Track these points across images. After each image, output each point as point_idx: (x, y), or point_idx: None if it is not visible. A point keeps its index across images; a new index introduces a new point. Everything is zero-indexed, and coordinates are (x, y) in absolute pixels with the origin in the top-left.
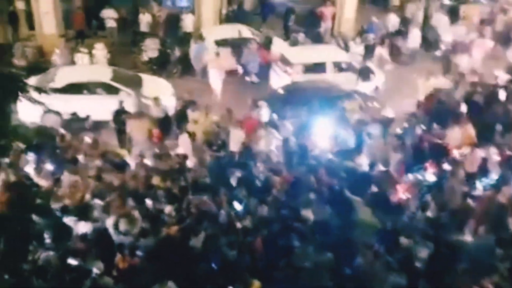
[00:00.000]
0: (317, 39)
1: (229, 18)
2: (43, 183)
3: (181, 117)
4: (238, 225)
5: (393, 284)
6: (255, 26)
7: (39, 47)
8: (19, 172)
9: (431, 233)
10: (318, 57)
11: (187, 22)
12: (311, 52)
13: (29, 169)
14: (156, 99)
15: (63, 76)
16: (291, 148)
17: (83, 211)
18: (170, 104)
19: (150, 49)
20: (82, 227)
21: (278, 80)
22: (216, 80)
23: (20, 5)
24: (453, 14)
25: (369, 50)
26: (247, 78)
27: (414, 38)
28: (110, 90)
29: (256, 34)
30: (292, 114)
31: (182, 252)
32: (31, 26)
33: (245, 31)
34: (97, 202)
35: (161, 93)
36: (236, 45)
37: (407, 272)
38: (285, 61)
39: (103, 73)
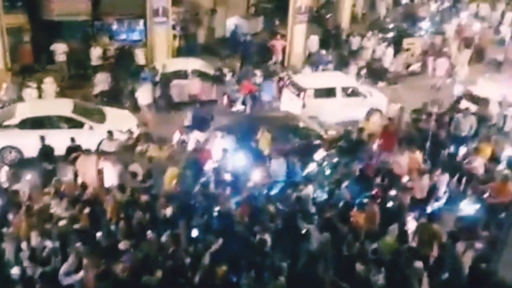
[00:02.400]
0: (268, 71)
1: (182, 52)
2: None
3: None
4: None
5: None
6: (208, 59)
7: None
8: None
9: (384, 259)
10: (328, 83)
11: (139, 56)
12: (321, 77)
13: None
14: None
15: (23, 110)
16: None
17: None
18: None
19: (101, 82)
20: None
21: (290, 104)
22: None
23: None
24: (397, 46)
25: None
26: (234, 109)
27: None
28: (73, 124)
29: (209, 66)
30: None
31: None
32: None
33: (200, 64)
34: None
35: (126, 125)
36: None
37: None
38: (296, 86)
39: (65, 106)
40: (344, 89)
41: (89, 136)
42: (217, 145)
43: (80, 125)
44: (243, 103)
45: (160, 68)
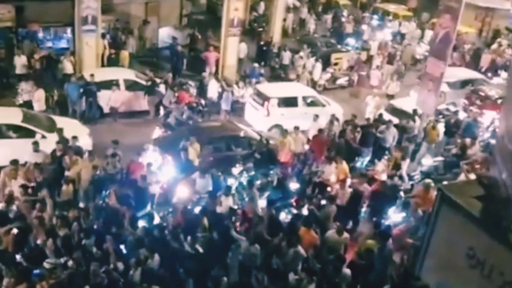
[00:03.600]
0: (202, 82)
1: (111, 61)
2: None
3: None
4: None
5: None
6: (139, 69)
7: None
8: None
9: (315, 268)
10: (290, 92)
11: (67, 64)
12: (283, 87)
13: None
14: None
15: None
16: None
17: None
18: (87, 145)
19: (26, 92)
20: None
21: (255, 113)
22: None
23: None
24: (325, 60)
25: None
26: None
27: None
28: (24, 133)
29: (141, 76)
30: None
31: None
32: None
33: (131, 74)
34: None
35: (76, 133)
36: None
37: None
38: (261, 95)
39: (13, 115)
40: (305, 98)
41: (43, 145)
42: (148, 158)
43: (31, 134)
44: (182, 114)
45: (88, 78)
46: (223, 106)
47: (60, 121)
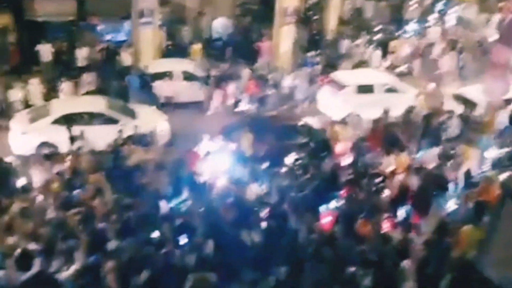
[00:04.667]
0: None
1: (169, 52)
2: None
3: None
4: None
5: None
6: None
7: None
8: None
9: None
10: (367, 79)
11: (125, 56)
12: (360, 74)
13: None
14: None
15: (58, 108)
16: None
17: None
18: (165, 131)
19: (87, 83)
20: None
21: (329, 101)
22: None
23: None
24: (384, 48)
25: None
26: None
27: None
28: (108, 120)
29: (198, 67)
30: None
31: None
32: None
33: (188, 65)
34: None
35: (156, 120)
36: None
37: None
38: (337, 83)
39: (98, 103)
40: (381, 85)
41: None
42: (204, 147)
43: (114, 121)
44: (249, 103)
45: (146, 69)
46: (297, 95)
47: (139, 108)
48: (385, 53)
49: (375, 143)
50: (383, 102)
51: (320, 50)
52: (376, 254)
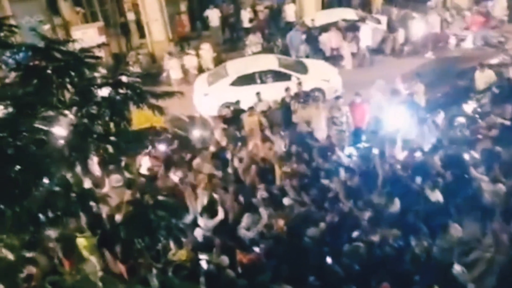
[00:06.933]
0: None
1: (330, 3)
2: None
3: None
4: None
5: None
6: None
7: (150, 54)
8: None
9: None
10: None
11: (289, 12)
12: None
13: None
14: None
15: (234, 69)
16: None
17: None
18: (338, 84)
19: (253, 44)
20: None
21: None
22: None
23: (130, 16)
24: None
25: None
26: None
27: None
28: (281, 77)
29: (362, 15)
30: None
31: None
32: (142, 35)
33: (349, 13)
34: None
35: (327, 75)
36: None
37: None
38: None
39: (270, 61)
40: None
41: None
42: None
43: (287, 77)
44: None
45: (309, 23)
46: None
47: (310, 63)
48: None
49: None
50: None
51: None
52: None
